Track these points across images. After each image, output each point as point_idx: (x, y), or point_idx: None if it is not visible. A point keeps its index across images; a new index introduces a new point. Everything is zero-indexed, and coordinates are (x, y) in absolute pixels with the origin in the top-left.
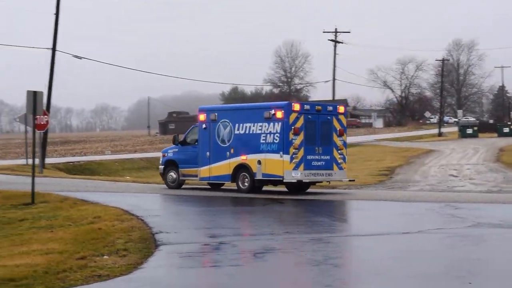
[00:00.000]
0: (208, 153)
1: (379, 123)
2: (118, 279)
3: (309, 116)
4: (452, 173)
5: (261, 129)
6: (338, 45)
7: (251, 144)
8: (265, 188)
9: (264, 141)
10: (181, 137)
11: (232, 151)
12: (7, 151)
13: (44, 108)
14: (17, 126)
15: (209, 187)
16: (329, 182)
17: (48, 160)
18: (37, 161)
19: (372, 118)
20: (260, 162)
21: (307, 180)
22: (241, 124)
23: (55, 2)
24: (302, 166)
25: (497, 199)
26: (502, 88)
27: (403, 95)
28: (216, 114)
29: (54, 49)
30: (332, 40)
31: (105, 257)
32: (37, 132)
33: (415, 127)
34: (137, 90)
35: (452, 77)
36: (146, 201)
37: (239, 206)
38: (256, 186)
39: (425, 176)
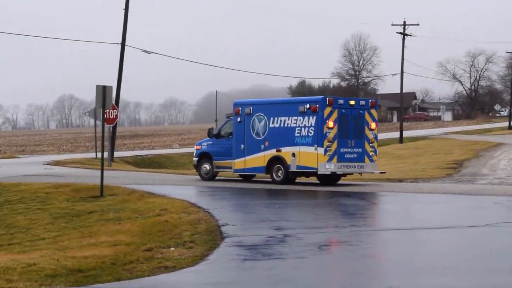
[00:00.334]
0: (242, 146)
1: (447, 116)
2: (184, 271)
3: (343, 110)
4: None
5: (295, 123)
6: (407, 37)
7: (285, 137)
8: (297, 180)
9: (298, 134)
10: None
11: (266, 144)
12: (77, 145)
13: (113, 102)
14: (87, 120)
15: (241, 178)
16: (361, 174)
17: (117, 154)
18: (106, 154)
19: (441, 111)
20: (295, 154)
21: (340, 172)
22: (275, 118)
23: None
24: (335, 159)
25: None
26: None
27: (473, 88)
28: (251, 108)
29: (123, 44)
30: (400, 33)
31: (171, 249)
32: (106, 126)
33: (485, 120)
34: (206, 84)
35: None
36: (211, 194)
37: (305, 199)
38: (290, 177)
39: (493, 170)
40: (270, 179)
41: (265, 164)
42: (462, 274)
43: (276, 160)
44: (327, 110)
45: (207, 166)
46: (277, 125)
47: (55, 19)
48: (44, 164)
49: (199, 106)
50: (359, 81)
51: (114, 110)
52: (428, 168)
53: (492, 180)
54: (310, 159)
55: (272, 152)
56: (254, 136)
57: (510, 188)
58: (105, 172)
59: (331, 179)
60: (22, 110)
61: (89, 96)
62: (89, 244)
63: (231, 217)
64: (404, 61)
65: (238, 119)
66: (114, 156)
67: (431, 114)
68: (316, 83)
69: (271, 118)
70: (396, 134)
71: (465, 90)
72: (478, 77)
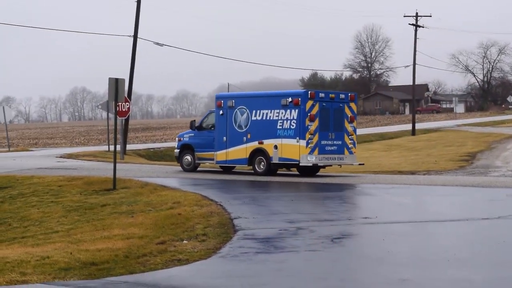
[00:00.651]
0: (224, 138)
1: (460, 108)
2: (197, 263)
3: (324, 104)
4: None
5: (278, 116)
6: (419, 29)
7: (268, 129)
8: (279, 171)
9: (281, 127)
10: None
11: (249, 136)
12: (90, 137)
13: (126, 95)
14: (99, 113)
15: (221, 170)
16: (340, 166)
17: (129, 147)
18: (118, 147)
19: (453, 103)
20: (277, 146)
21: (322, 164)
22: (258, 111)
23: None
24: (316, 151)
25: None
26: None
27: (485, 79)
28: (233, 101)
29: (135, 37)
30: (412, 25)
31: (184, 241)
32: (119, 119)
33: (498, 112)
34: (217, 77)
35: None
36: (222, 187)
37: (316, 192)
38: (272, 169)
39: (507, 162)
40: (252, 171)
41: (247, 156)
42: (476, 266)
43: (258, 152)
44: (309, 103)
45: (188, 158)
46: (259, 118)
47: (67, 11)
48: (56, 157)
49: (211, 98)
50: (371, 73)
51: (127, 103)
52: (441, 160)
53: (505, 172)
54: (292, 151)
55: (255, 144)
56: (236, 128)
57: None
58: (117, 165)
59: (311, 170)
60: (34, 103)
61: (101, 89)
62: (102, 237)
63: (243, 210)
64: (417, 52)
65: (221, 112)
66: (127, 149)
67: (444, 106)
68: (328, 75)
69: (253, 111)
70: (409, 126)
71: (478, 81)
72: (490, 69)
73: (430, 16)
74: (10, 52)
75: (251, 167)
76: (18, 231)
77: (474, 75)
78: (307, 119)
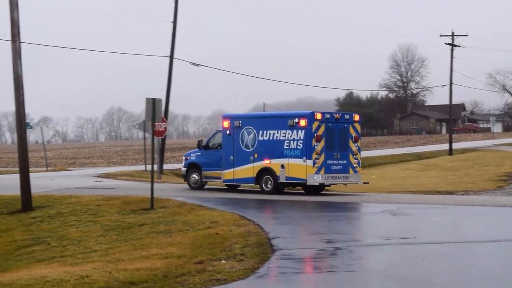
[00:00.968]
0: (232, 157)
1: (497, 127)
2: (236, 283)
3: (329, 124)
4: None
5: (284, 136)
6: (455, 48)
7: (274, 149)
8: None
9: (287, 147)
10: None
11: (255, 155)
12: (126, 157)
13: (162, 115)
14: (136, 133)
15: (226, 188)
16: (345, 185)
17: (166, 166)
18: (155, 167)
19: (490, 122)
20: (284, 166)
21: (328, 183)
22: (264, 131)
23: (173, 11)
24: (323, 170)
25: None
26: None
27: None
28: (240, 121)
29: (172, 57)
30: (449, 44)
31: (222, 261)
32: (156, 138)
33: None
34: (253, 96)
35: None
36: (259, 207)
37: (352, 211)
38: (279, 188)
39: None
40: (259, 189)
41: (255, 175)
42: None
43: (265, 171)
44: (315, 124)
45: (195, 176)
46: (266, 138)
47: (103, 32)
48: (94, 176)
49: None
50: (407, 92)
51: (163, 123)
52: (479, 180)
53: None
54: (299, 171)
55: (261, 163)
56: (243, 148)
57: None
58: (155, 185)
59: (317, 189)
60: (72, 123)
61: (138, 109)
62: (140, 256)
63: (281, 230)
64: (453, 72)
65: (228, 132)
66: (164, 168)
67: (481, 125)
68: (363, 94)
69: (260, 131)
70: (445, 146)
71: None
72: None
73: (467, 35)
74: (47, 73)
75: (257, 185)
76: (57, 250)
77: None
78: (313, 140)
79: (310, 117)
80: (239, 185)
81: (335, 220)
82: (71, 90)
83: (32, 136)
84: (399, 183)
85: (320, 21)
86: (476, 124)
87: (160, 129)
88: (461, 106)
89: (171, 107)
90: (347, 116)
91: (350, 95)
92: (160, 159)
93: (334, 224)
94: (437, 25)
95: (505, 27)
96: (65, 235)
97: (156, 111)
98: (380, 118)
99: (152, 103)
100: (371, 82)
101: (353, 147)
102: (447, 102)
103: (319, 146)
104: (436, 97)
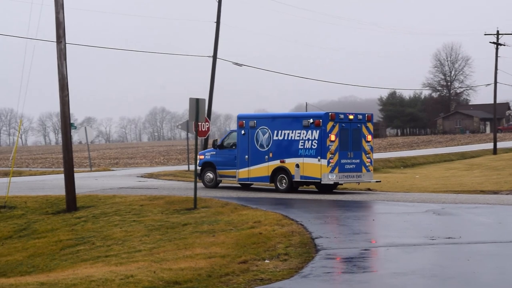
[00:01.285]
0: (246, 157)
1: None
2: (280, 283)
3: (343, 124)
4: None
5: (299, 136)
6: (500, 47)
7: (289, 149)
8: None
9: (302, 147)
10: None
11: (270, 155)
12: (169, 157)
13: (205, 115)
14: (178, 133)
15: (239, 185)
16: (358, 183)
17: None
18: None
19: None
20: (299, 165)
21: (342, 182)
22: (279, 131)
23: (216, 11)
24: (337, 169)
25: None
26: None
27: None
28: (255, 121)
29: (215, 57)
30: (493, 43)
31: (266, 261)
32: (199, 138)
33: None
34: (295, 96)
35: None
36: (302, 207)
37: (395, 211)
38: (294, 186)
39: None
40: (274, 188)
41: (269, 174)
42: None
43: (280, 170)
44: (330, 124)
45: (210, 175)
46: (281, 138)
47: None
48: (137, 176)
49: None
50: (451, 91)
51: (206, 123)
52: None
53: None
54: (314, 170)
55: (276, 163)
56: (258, 147)
57: None
58: (198, 184)
59: (330, 187)
60: (115, 123)
61: (180, 109)
62: (184, 256)
63: (324, 230)
64: (498, 71)
65: (242, 132)
66: None
67: None
68: (406, 94)
69: (275, 131)
70: (490, 145)
71: None
72: None
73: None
74: (90, 73)
75: (272, 184)
76: (101, 250)
77: None
78: (328, 140)
79: (325, 118)
80: (252, 184)
81: (378, 219)
82: (114, 90)
83: (76, 136)
84: (443, 182)
85: (363, 22)
86: None
87: (203, 129)
88: (506, 105)
89: (214, 107)
90: (360, 116)
91: (393, 95)
92: None
93: (378, 224)
94: (481, 23)
95: None
96: (110, 235)
97: (199, 111)
98: (424, 118)
99: (196, 103)
100: (414, 82)
101: (366, 146)
102: (491, 101)
103: (333, 146)
104: (480, 96)
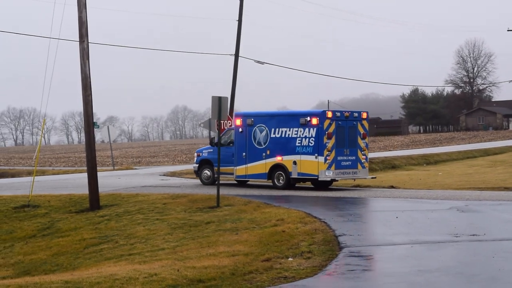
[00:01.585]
0: (244, 154)
1: None
2: (304, 281)
3: (339, 122)
4: None
5: (296, 134)
6: None
7: (287, 146)
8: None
9: (299, 144)
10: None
11: (268, 152)
12: (191, 156)
13: (228, 113)
14: (200, 131)
15: (235, 182)
16: (354, 180)
17: None
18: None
19: None
20: (296, 162)
21: (338, 178)
22: (277, 129)
23: (238, 10)
24: (333, 166)
25: None
26: None
27: None
28: (252, 119)
29: (237, 55)
30: None
31: (289, 259)
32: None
33: None
34: (317, 93)
35: None
36: (325, 204)
37: (419, 208)
38: (291, 183)
39: None
40: (271, 184)
41: (267, 171)
42: None
43: (278, 168)
44: (326, 122)
45: (207, 172)
46: (278, 135)
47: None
48: (160, 175)
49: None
50: (474, 88)
51: (229, 121)
52: None
53: None
54: (311, 167)
55: (274, 160)
56: (255, 145)
57: None
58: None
59: (325, 184)
60: (137, 122)
61: (202, 108)
62: (208, 254)
63: (348, 227)
64: None
65: (240, 130)
66: None
67: None
68: (429, 91)
69: (272, 129)
70: None
71: None
72: None
73: None
74: (115, 72)
75: (269, 181)
76: (125, 248)
77: None
78: (325, 137)
79: (322, 116)
80: (248, 180)
81: (401, 217)
82: (136, 89)
83: (98, 135)
84: (466, 179)
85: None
86: None
87: (226, 128)
88: None
89: (236, 105)
90: (355, 114)
91: (415, 92)
92: None
93: (401, 221)
94: (504, 19)
95: None
96: (133, 233)
97: (222, 109)
98: (446, 115)
99: (218, 102)
100: (436, 78)
101: (361, 143)
102: None
103: (330, 143)
104: (503, 93)
